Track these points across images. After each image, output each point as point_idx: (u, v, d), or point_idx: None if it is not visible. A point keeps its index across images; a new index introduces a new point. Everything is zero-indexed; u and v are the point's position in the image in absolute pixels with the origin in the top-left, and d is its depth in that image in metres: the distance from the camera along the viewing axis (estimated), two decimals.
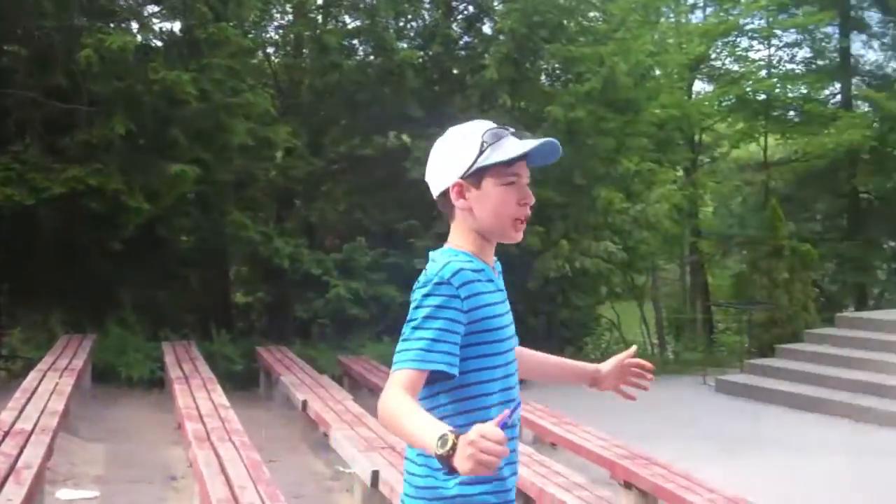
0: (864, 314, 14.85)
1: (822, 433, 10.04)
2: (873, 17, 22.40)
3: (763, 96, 20.76)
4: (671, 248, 19.62)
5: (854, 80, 22.63)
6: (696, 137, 21.17)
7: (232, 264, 15.20)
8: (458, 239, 2.38)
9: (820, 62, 22.60)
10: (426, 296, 2.21)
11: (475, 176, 2.31)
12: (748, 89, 20.46)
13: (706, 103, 20.20)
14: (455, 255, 2.32)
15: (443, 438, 1.93)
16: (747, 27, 21.01)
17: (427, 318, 2.18)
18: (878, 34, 22.77)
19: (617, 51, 13.41)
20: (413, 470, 2.31)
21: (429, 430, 2.00)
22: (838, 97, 22.70)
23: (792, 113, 22.00)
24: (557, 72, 15.38)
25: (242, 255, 14.23)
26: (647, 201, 13.87)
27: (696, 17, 21.94)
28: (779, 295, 15.45)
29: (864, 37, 22.80)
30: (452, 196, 2.34)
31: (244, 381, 12.17)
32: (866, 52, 23.87)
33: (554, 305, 14.50)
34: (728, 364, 15.68)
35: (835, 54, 22.49)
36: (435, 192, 2.39)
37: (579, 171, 13.20)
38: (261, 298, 15.23)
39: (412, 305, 2.24)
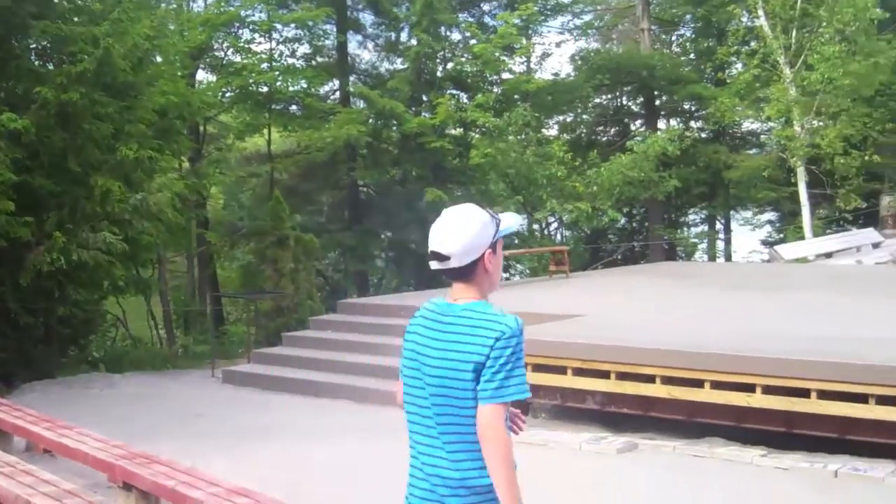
0: (364, 300, 15.59)
1: (327, 417, 10.27)
2: (367, 18, 23.74)
3: (265, 89, 21.01)
4: (178, 240, 19.17)
5: (351, 78, 23.80)
6: (201, 128, 20.93)
7: None
8: (479, 294, 3.02)
9: (319, 59, 23.46)
10: (517, 340, 2.89)
11: (493, 245, 3.00)
12: (251, 81, 20.60)
13: (209, 93, 20.01)
14: (499, 312, 2.97)
15: None
16: (248, 19, 21.16)
17: (521, 359, 2.89)
18: (372, 35, 24.17)
19: (112, 32, 12.66)
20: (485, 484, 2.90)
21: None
22: (337, 93, 23.72)
23: (294, 107, 22.57)
24: (48, 51, 14.23)
25: None
26: (148, 190, 13.30)
27: (198, 5, 21.68)
28: (285, 284, 15.71)
29: (359, 37, 24.08)
30: (486, 261, 2.99)
31: None
32: (362, 52, 25.27)
33: (51, 302, 13.39)
34: (238, 355, 15.64)
35: (333, 52, 23.47)
36: (467, 260, 2.95)
37: (74, 158, 12.27)
38: None
39: (508, 346, 2.87)
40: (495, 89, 22.51)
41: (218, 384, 12.65)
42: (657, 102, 31.97)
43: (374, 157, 21.53)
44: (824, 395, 7.87)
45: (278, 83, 21.01)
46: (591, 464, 7.92)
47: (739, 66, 27.47)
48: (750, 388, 8.24)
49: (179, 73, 18.27)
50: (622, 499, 6.96)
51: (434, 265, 3.01)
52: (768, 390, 8.15)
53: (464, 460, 2.92)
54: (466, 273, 2.99)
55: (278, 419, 10.21)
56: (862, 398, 7.62)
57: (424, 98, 22.05)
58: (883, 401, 7.50)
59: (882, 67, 23.72)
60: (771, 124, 26.67)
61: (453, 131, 21.58)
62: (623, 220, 31.64)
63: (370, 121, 21.05)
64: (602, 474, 7.60)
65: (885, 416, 7.51)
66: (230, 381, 12.49)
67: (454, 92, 22.50)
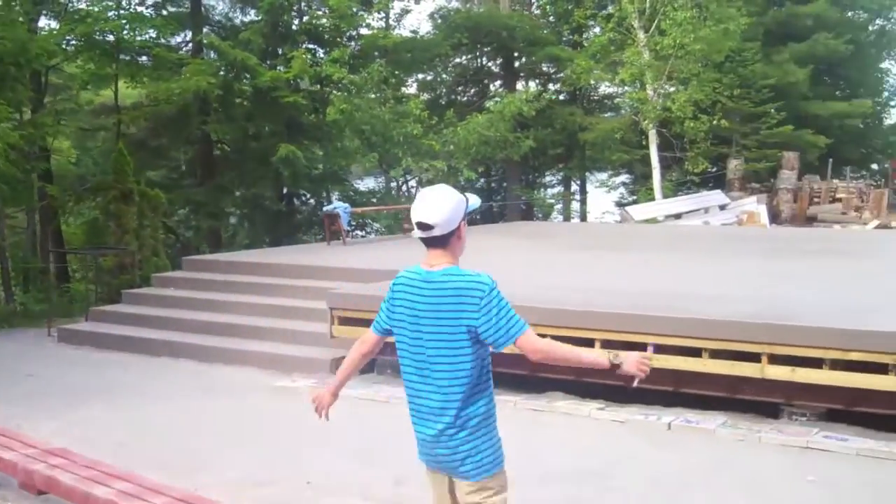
0: (210, 256, 15.15)
1: (167, 376, 9.93)
2: None
3: (112, 37, 20.05)
4: (18, 194, 18.19)
5: (205, 29, 22.98)
6: (43, 77, 19.85)
7: None
8: (453, 259, 3.61)
9: (171, 8, 22.54)
10: (496, 292, 3.49)
11: (464, 219, 3.61)
12: (96, 29, 19.60)
13: (51, 41, 18.95)
14: (474, 272, 3.57)
15: (614, 354, 3.54)
16: None
17: (506, 303, 3.49)
18: None
19: None
20: (480, 413, 3.59)
21: (594, 352, 3.80)
22: (189, 45, 22.90)
23: (144, 58, 21.63)
24: None
25: None
26: None
27: None
28: (129, 240, 15.10)
29: None
30: (460, 231, 3.60)
31: None
32: (216, 2, 24.43)
33: None
34: (78, 313, 14.98)
35: (186, 2, 22.61)
36: (448, 229, 3.54)
37: None
38: None
39: (492, 300, 3.46)
40: (352, 45, 22.13)
41: (54, 343, 12.09)
42: (516, 64, 32.16)
43: (227, 111, 20.86)
44: (661, 349, 8.02)
45: (125, 32, 20.06)
46: None
47: (597, 29, 27.82)
48: (589, 343, 8.33)
49: (19, 19, 17.26)
50: None
51: (418, 234, 3.57)
52: (607, 345, 8.26)
53: (454, 397, 3.55)
54: (445, 241, 3.58)
55: (115, 379, 9.82)
56: (696, 352, 7.79)
57: (279, 52, 21.49)
58: (715, 354, 7.69)
59: (732, 34, 24.43)
60: (625, 88, 27.15)
61: (309, 87, 21.13)
62: (482, 181, 31.83)
63: (221, 73, 20.37)
64: None
65: (716, 369, 7.71)
66: (67, 340, 11.95)
67: (310, 46, 22.01)
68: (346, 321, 9.72)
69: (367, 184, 25.47)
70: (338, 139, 20.83)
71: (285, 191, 21.94)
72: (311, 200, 22.37)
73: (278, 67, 20.53)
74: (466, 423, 3.56)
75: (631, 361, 3.52)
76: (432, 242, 3.58)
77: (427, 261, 3.61)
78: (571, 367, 8.52)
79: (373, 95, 21.44)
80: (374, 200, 22.57)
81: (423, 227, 3.54)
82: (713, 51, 24.55)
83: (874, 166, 40.72)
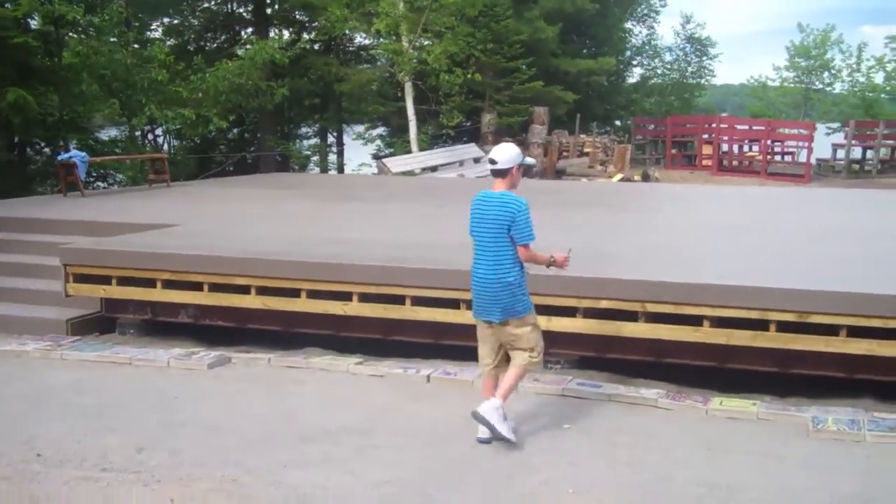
0: None
1: None
2: None
3: None
4: None
5: None
6: None
7: None
8: (509, 187, 5.79)
9: None
10: (526, 210, 5.65)
11: (518, 165, 5.80)
12: None
13: None
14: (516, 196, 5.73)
15: (550, 256, 5.95)
16: None
17: (529, 219, 5.66)
18: None
19: None
20: (517, 280, 5.74)
21: (548, 255, 5.95)
22: None
23: None
24: None
25: None
26: None
27: None
28: None
29: None
30: (514, 171, 5.78)
31: None
32: None
33: None
34: None
35: None
36: (507, 166, 5.74)
37: None
38: None
39: (520, 216, 5.63)
40: None
41: None
42: (268, 11, 31.16)
43: None
44: (419, 301, 7.83)
45: None
46: (178, 380, 7.32)
47: None
48: (347, 297, 8.03)
49: None
50: (210, 412, 6.44)
51: (489, 166, 5.83)
52: (365, 298, 7.99)
53: (499, 267, 5.69)
54: (505, 174, 5.77)
55: None
56: (454, 303, 7.65)
57: None
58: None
59: None
60: (381, 39, 26.89)
61: (41, 27, 19.40)
62: (234, 131, 30.77)
63: None
64: (189, 390, 7.03)
65: (471, 320, 7.59)
66: None
67: None
68: (82, 278, 8.93)
69: (109, 133, 23.83)
70: (75, 84, 19.28)
71: (16, 140, 20.17)
72: (47, 150, 20.67)
73: (7, 5, 18.71)
74: (508, 285, 5.69)
75: (559, 260, 5.98)
76: (496, 174, 5.79)
77: (494, 187, 5.78)
78: (329, 322, 8.24)
79: (113, 39, 19.99)
80: (118, 150, 21.14)
81: (492, 161, 5.78)
82: (467, 5, 24.71)
83: (617, 122, 42.84)
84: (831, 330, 6.78)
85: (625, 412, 6.49)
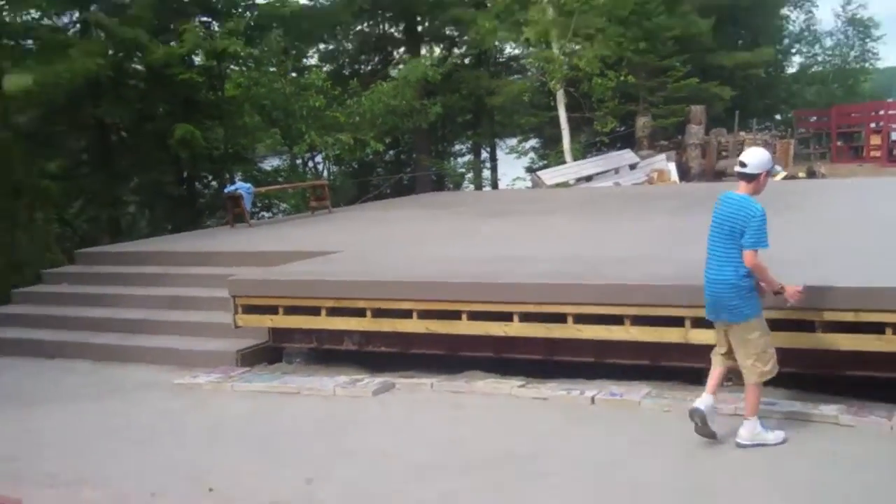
0: (104, 248, 14.22)
1: (60, 379, 9.25)
2: None
3: None
4: None
5: (92, 7, 21.84)
6: None
7: None
8: (751, 192, 5.83)
9: None
10: (761, 217, 5.67)
11: (767, 171, 5.86)
12: None
13: None
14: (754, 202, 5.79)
15: (781, 285, 5.93)
16: None
17: (763, 227, 5.66)
18: None
19: None
20: (743, 284, 5.78)
21: (778, 283, 5.91)
22: (78, 25, 21.76)
23: (30, 41, 20.48)
24: None
25: None
26: None
27: None
28: (19, 237, 14.24)
29: None
30: (761, 177, 5.83)
31: None
32: None
33: None
34: None
35: None
36: (755, 171, 5.81)
37: None
38: None
39: (753, 221, 5.66)
40: (248, 15, 21.25)
41: None
42: (419, 28, 31.54)
43: (119, 92, 19.85)
44: (581, 318, 7.66)
45: (5, 14, 18.91)
46: (345, 407, 7.41)
47: None
48: (507, 317, 7.94)
49: None
50: (377, 440, 6.48)
51: (738, 168, 5.89)
52: (526, 318, 7.88)
53: (725, 269, 5.79)
54: (751, 178, 5.83)
55: (3, 387, 9.10)
56: (618, 320, 7.45)
57: (171, 27, 20.51)
58: (638, 321, 7.36)
59: None
60: (530, 48, 26.77)
61: (204, 62, 20.22)
62: (391, 153, 31.22)
63: (110, 53, 19.33)
64: (357, 417, 7.11)
65: (639, 336, 7.38)
66: None
67: (204, 19, 21.09)
68: (250, 309, 9.16)
69: (272, 163, 24.61)
70: (238, 116, 20.02)
71: (185, 174, 21.08)
72: (214, 183, 21.50)
73: (172, 43, 19.59)
74: (735, 286, 5.78)
75: (789, 292, 5.96)
76: (742, 176, 5.87)
77: (738, 189, 5.87)
78: (490, 343, 8.17)
79: (272, 68, 20.63)
80: (280, 180, 21.81)
81: (741, 164, 5.87)
82: (618, 5, 24.31)
83: (777, 117, 41.25)
84: None
85: (800, 430, 6.14)
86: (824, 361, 6.94)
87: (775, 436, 5.85)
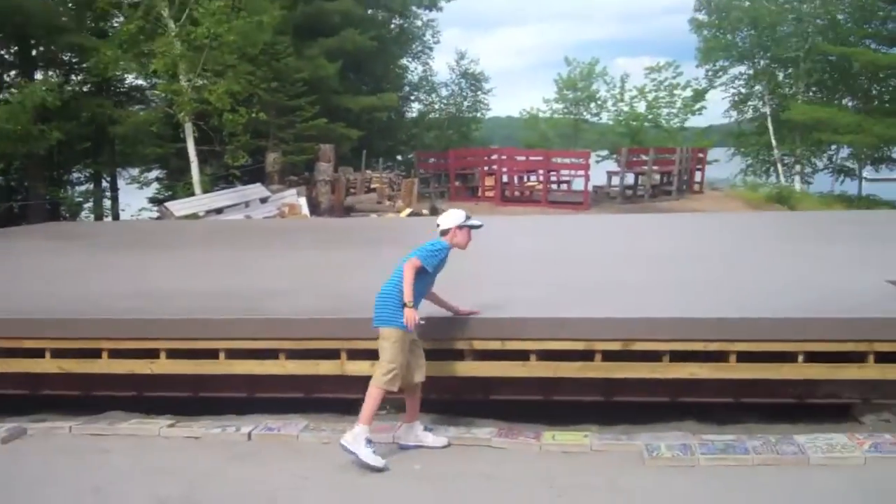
0: None
1: None
2: None
3: None
4: None
5: None
6: None
7: None
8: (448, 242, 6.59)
9: None
10: (438, 245, 6.46)
11: (459, 227, 6.60)
12: None
13: None
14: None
15: (408, 303, 6.15)
16: None
17: (432, 251, 6.40)
18: None
19: None
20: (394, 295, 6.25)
21: (410, 296, 6.17)
22: None
23: None
24: None
25: None
26: None
27: None
28: None
29: None
30: (452, 232, 6.58)
31: None
32: None
33: None
34: None
35: None
36: (447, 227, 6.59)
37: None
38: None
39: (428, 244, 6.42)
40: None
41: None
42: (34, 52, 29.38)
43: None
44: (233, 353, 7.39)
45: None
46: None
47: (122, 17, 26.24)
48: (154, 354, 7.48)
49: None
50: (7, 497, 5.77)
51: (437, 228, 6.61)
52: (174, 354, 7.46)
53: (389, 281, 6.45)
54: (444, 234, 6.56)
55: None
56: (272, 353, 7.28)
57: None
58: (293, 355, 7.24)
59: (265, 27, 24.33)
60: (157, 80, 25.92)
61: None
62: None
63: None
64: None
65: (295, 370, 7.27)
66: None
67: None
68: None
69: None
70: None
71: None
72: None
73: None
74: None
75: (407, 314, 6.13)
76: (441, 234, 6.55)
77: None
78: (131, 382, 7.65)
79: None
80: None
81: (437, 225, 6.63)
82: (248, 43, 24.23)
83: (399, 157, 43.24)
84: (655, 356, 6.88)
85: (458, 454, 6.31)
86: (474, 387, 7.23)
87: (375, 459, 5.98)
